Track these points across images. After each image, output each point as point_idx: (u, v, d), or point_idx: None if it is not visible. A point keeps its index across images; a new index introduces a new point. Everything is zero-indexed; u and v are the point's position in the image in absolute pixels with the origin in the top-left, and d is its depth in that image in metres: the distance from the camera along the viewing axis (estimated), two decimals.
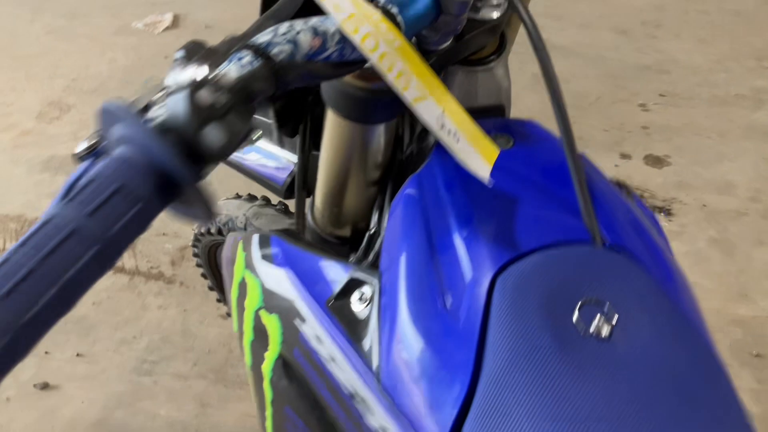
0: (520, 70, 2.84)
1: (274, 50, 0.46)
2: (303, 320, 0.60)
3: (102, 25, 3.22)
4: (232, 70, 0.44)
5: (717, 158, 2.41)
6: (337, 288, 0.59)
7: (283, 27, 0.48)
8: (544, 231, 0.54)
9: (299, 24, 0.48)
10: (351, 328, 0.56)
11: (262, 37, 0.47)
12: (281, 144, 0.96)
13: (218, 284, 1.58)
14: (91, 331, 1.84)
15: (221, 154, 0.42)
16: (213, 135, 0.42)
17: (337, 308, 0.58)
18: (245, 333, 0.72)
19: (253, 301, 0.67)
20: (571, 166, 0.55)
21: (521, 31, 0.67)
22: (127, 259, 2.05)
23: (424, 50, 0.59)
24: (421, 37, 0.58)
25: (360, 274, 0.59)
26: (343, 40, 0.48)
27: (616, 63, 2.92)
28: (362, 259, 0.67)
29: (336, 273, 0.60)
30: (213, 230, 1.29)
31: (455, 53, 0.63)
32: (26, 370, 1.73)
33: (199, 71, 0.43)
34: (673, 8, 3.34)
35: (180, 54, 0.45)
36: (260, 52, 0.46)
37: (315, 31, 0.48)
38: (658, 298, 0.51)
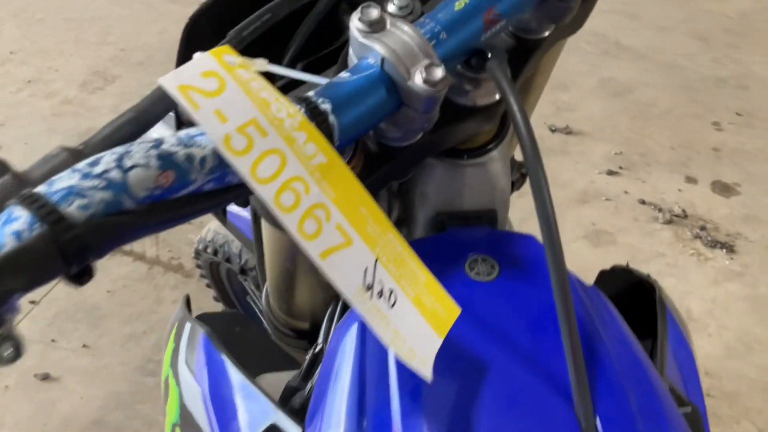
0: (588, 73, 2.64)
1: (73, 206, 0.31)
2: None
3: None
4: None
5: None
6: None
7: (106, 159, 0.32)
8: (515, 420, 0.40)
9: (138, 150, 0.33)
10: None
11: (59, 182, 0.32)
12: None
13: (222, 296, 1.49)
14: (101, 322, 1.78)
15: None
16: None
17: None
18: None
19: (171, 411, 0.56)
20: (564, 331, 0.41)
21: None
22: (149, 247, 1.98)
23: (383, 145, 0.46)
24: (377, 129, 0.45)
25: (282, 422, 0.47)
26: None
27: (690, 73, 2.68)
28: (302, 383, 0.54)
29: (256, 414, 0.48)
30: (209, 250, 1.19)
31: (431, 147, 0.49)
32: (29, 357, 1.68)
33: None
34: (759, 16, 3.06)
35: None
36: (45, 210, 0.30)
37: (164, 161, 0.33)
38: None
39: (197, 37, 0.50)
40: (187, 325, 0.58)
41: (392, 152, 0.46)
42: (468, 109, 0.49)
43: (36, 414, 1.58)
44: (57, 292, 1.85)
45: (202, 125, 0.33)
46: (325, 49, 0.53)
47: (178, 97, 0.33)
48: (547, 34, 0.53)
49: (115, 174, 0.32)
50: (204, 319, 0.59)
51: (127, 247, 2.00)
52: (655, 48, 2.82)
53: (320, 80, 0.40)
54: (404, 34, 0.40)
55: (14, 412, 1.58)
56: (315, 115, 0.37)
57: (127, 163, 0.33)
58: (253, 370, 0.56)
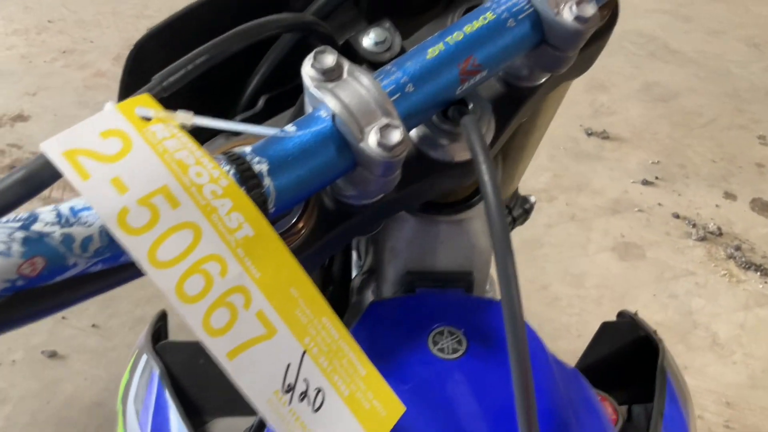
0: (632, 75, 2.54)
1: None
2: None
3: None
4: None
5: None
6: None
7: None
8: None
9: (0, 232, 0.27)
10: None
11: None
12: None
13: None
14: (112, 303, 1.77)
15: None
16: None
17: None
18: None
19: None
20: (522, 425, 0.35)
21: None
22: None
23: (340, 202, 0.41)
24: (332, 185, 0.40)
25: None
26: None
27: (740, 81, 2.56)
28: None
29: None
30: None
31: (397, 205, 0.43)
32: (38, 334, 1.68)
33: None
34: None
35: None
36: None
37: (30, 246, 0.27)
38: None
39: (144, 66, 0.45)
40: (143, 358, 0.54)
41: (350, 210, 0.41)
42: (443, 164, 0.43)
43: (41, 391, 1.58)
44: None
45: (88, 199, 0.28)
46: (294, 80, 0.47)
47: (61, 165, 0.28)
48: (542, 81, 0.46)
49: None
50: (166, 348, 0.55)
51: None
52: (705, 53, 2.70)
53: (264, 131, 0.35)
54: (361, 86, 0.35)
55: (19, 387, 1.58)
56: (246, 178, 0.32)
57: None
58: (210, 409, 0.52)
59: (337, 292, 0.60)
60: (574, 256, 1.92)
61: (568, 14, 0.39)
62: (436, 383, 0.41)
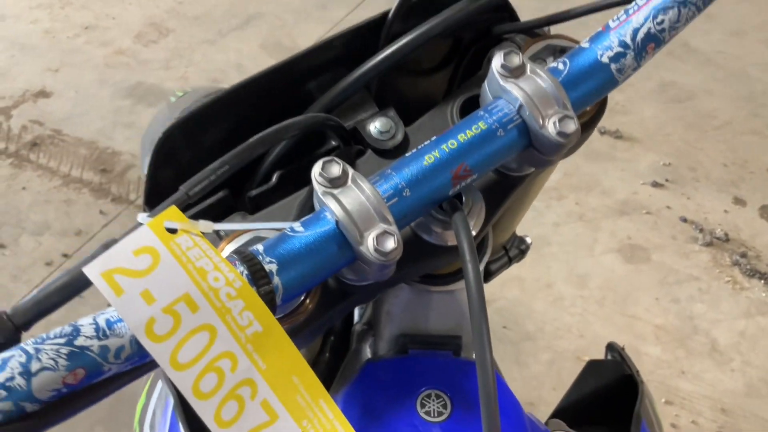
0: (648, 74, 2.54)
1: None
2: None
3: None
4: None
5: None
6: None
7: (12, 362, 0.31)
8: None
9: (48, 348, 0.32)
10: None
11: None
12: None
13: None
14: None
15: None
16: None
17: None
18: None
19: None
20: None
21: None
22: None
23: (341, 282, 0.44)
24: None
25: None
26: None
27: (758, 84, 2.56)
28: None
29: None
30: None
31: (394, 281, 0.47)
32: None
33: None
34: None
35: None
36: None
37: (74, 359, 0.32)
38: None
39: (171, 152, 0.49)
40: (159, 384, 0.58)
41: (351, 289, 0.45)
42: (436, 247, 0.47)
43: None
44: (90, 246, 1.90)
45: (121, 314, 0.32)
46: (308, 156, 0.51)
47: (100, 284, 0.32)
48: (531, 171, 0.50)
49: (18, 381, 0.31)
50: None
51: None
52: (725, 53, 2.69)
53: (275, 227, 0.39)
54: (363, 194, 0.39)
55: None
56: (258, 278, 0.36)
57: (34, 367, 0.32)
58: None
59: (338, 338, 0.64)
60: (580, 256, 1.95)
61: (552, 129, 0.43)
62: None
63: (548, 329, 1.80)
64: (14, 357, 0.32)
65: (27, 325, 0.39)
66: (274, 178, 0.51)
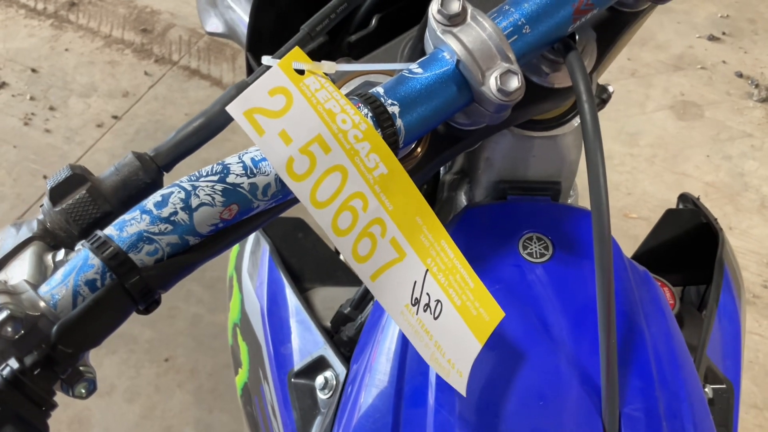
0: None
1: (142, 252, 0.32)
2: (265, 378, 0.54)
3: None
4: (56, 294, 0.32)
5: None
6: (303, 360, 0.51)
7: (173, 198, 0.33)
8: (541, 413, 0.42)
9: (204, 186, 0.33)
10: (305, 418, 0.49)
11: (129, 227, 0.33)
12: None
13: None
14: None
15: None
16: None
17: (299, 387, 0.51)
18: (229, 326, 0.66)
19: (234, 311, 0.60)
20: (602, 334, 0.40)
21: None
22: (225, 72, 1.99)
23: (451, 127, 0.44)
24: None
25: (331, 355, 0.50)
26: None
27: None
28: (353, 312, 0.56)
29: (307, 342, 0.52)
30: None
31: (502, 126, 0.46)
32: None
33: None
34: None
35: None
36: (116, 260, 0.32)
37: (228, 196, 0.34)
38: None
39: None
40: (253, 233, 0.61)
41: (461, 134, 0.44)
42: (545, 89, 0.46)
43: None
44: (138, 108, 1.91)
45: (264, 152, 0.33)
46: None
47: (243, 123, 0.33)
48: (647, 5, 0.47)
49: (181, 216, 0.33)
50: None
51: (204, 70, 2.03)
52: None
53: (395, 67, 0.39)
54: (484, 31, 0.37)
55: None
56: (382, 120, 0.36)
57: (194, 202, 0.33)
58: (308, 279, 0.59)
59: (429, 188, 0.65)
60: (631, 114, 1.91)
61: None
62: (525, 284, 0.47)
63: None
64: (174, 193, 0.34)
65: (169, 165, 0.41)
66: (374, 21, 0.50)
